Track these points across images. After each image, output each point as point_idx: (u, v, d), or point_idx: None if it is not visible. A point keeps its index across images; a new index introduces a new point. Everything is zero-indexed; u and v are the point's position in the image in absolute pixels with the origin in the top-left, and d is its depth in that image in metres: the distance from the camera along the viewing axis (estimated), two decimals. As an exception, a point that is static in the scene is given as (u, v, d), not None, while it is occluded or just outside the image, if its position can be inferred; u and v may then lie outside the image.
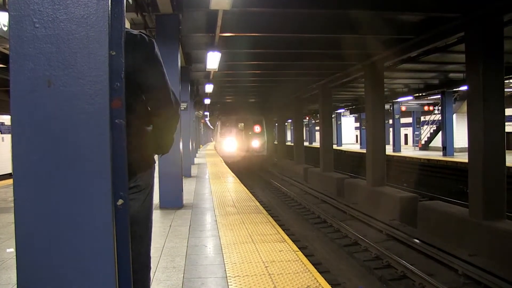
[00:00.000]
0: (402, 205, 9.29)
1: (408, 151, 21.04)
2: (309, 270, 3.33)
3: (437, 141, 19.61)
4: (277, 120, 28.85)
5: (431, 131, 21.19)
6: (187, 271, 3.41)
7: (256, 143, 22.84)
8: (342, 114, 30.05)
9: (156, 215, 5.67)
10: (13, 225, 1.08)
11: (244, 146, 22.50)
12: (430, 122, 21.59)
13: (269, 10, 6.96)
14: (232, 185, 9.56)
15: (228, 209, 6.25)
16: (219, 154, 22.81)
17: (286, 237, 4.49)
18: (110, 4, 1.09)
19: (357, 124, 31.77)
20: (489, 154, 6.61)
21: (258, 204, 6.77)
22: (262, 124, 23.57)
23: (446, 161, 14.23)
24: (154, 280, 3.15)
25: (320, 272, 3.37)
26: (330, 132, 15.87)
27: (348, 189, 12.62)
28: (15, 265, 1.08)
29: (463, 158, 13.66)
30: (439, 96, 17.52)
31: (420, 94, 17.49)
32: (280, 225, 5.72)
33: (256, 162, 22.29)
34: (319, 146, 16.13)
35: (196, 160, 17.70)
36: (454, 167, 13.48)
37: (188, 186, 8.92)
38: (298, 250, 3.96)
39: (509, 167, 7.64)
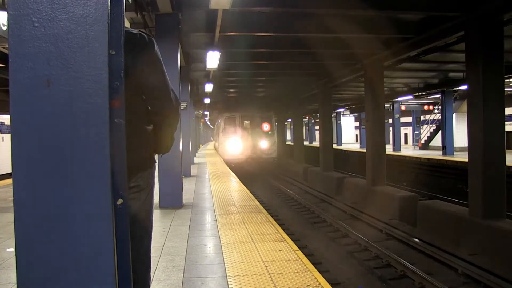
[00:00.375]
0: (402, 204, 9.28)
1: (408, 150, 21.04)
2: (309, 270, 3.33)
3: (437, 141, 19.61)
4: (276, 120, 28.77)
5: (431, 130, 21.20)
6: (187, 271, 3.41)
7: (264, 144, 20.01)
8: (342, 113, 30.04)
9: (156, 214, 5.67)
10: (13, 225, 1.07)
11: (251, 147, 19.76)
12: (430, 122, 21.59)
13: (268, 10, 6.95)
14: (231, 185, 9.56)
15: (228, 209, 6.25)
16: (222, 157, 20.57)
17: (286, 236, 4.49)
18: (109, 3, 1.09)
19: (357, 124, 31.79)
20: (489, 154, 6.60)
21: (258, 203, 6.77)
22: (271, 122, 20.81)
23: (446, 160, 14.23)
24: (154, 280, 3.15)
25: (320, 272, 3.37)
26: (330, 131, 15.85)
27: (348, 188, 12.62)
28: (15, 265, 1.08)
29: (463, 157, 13.65)
30: (439, 95, 17.52)
31: (420, 94, 17.48)
32: (280, 225, 5.71)
33: (263, 166, 19.99)
34: (319, 146, 16.13)
35: (196, 160, 17.70)
36: (454, 167, 13.47)
37: (188, 186, 8.92)
38: (298, 249, 3.96)
39: (509, 167, 7.63)
